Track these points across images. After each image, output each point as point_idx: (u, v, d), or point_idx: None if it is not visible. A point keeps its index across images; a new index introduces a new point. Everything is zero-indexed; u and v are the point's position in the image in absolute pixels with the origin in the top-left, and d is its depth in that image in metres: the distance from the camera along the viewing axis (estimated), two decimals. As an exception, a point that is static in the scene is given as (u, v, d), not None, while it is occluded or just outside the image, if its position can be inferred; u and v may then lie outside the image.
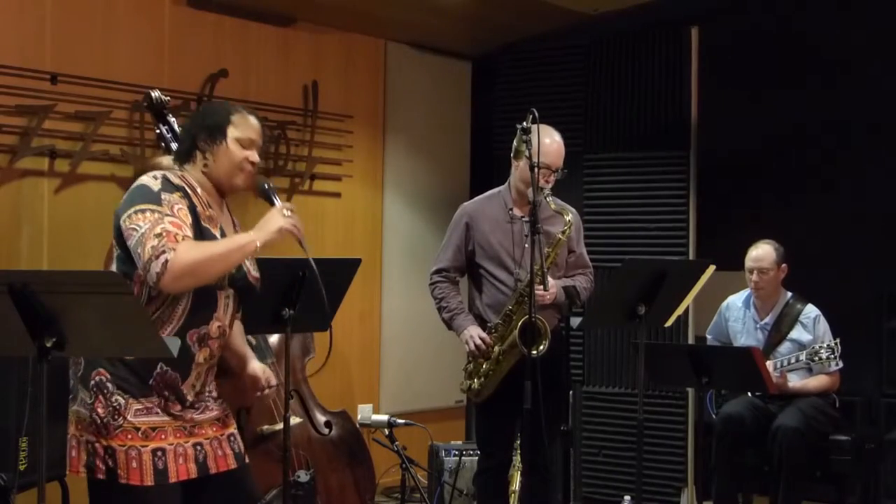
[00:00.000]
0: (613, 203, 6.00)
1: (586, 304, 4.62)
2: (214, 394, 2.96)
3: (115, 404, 2.76)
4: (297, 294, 3.42)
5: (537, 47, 6.37)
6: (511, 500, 4.64)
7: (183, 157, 2.92)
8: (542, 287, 3.99)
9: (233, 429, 2.98)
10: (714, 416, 5.01)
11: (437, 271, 4.37)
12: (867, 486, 5.22)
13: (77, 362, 2.82)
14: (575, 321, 4.97)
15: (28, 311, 2.46)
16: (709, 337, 5.32)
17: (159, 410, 2.80)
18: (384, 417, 5.03)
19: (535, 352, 3.89)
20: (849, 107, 5.69)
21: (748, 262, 5.04)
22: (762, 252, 5.01)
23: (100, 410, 2.76)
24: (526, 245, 4.15)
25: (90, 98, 4.77)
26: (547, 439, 3.93)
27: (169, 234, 2.68)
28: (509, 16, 6.01)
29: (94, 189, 4.79)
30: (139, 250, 2.69)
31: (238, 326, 3.08)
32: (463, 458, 5.33)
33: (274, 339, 4.71)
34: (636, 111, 6.02)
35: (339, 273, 3.56)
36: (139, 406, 2.78)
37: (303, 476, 4.17)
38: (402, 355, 6.26)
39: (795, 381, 4.94)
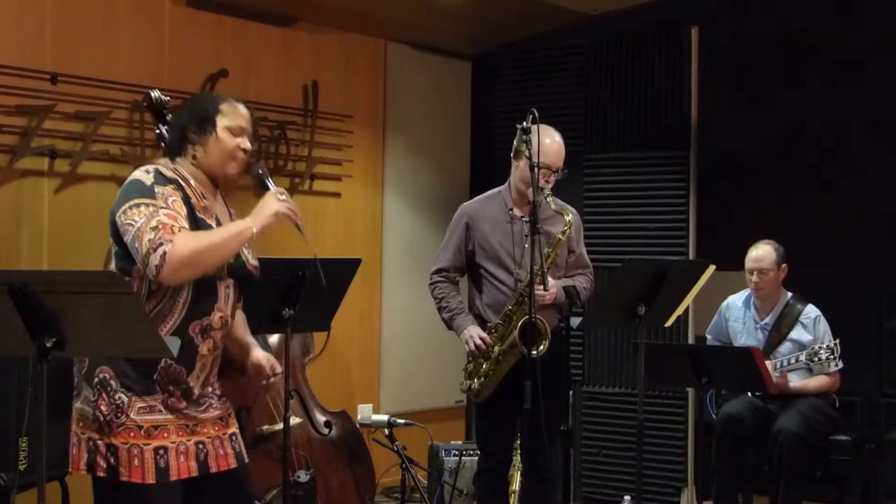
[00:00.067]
0: (613, 203, 5.99)
1: (586, 304, 4.62)
2: (218, 392, 2.96)
3: (118, 402, 2.76)
4: (297, 294, 3.42)
5: (537, 47, 6.37)
6: (511, 500, 4.64)
7: (174, 150, 2.93)
8: (542, 287, 3.99)
9: (235, 428, 2.99)
10: (714, 416, 5.00)
11: (437, 271, 4.37)
12: (867, 486, 5.22)
13: (81, 360, 2.83)
14: (575, 321, 4.97)
15: (28, 311, 2.46)
16: (709, 337, 5.31)
17: (162, 408, 2.80)
18: (384, 417, 5.04)
19: (535, 352, 3.89)
20: (849, 106, 5.69)
21: (748, 263, 5.04)
22: (762, 252, 5.01)
23: (103, 408, 2.76)
24: (526, 245, 4.15)
25: (90, 98, 4.77)
26: (547, 439, 3.93)
27: (165, 226, 2.69)
28: (509, 16, 6.01)
29: (94, 189, 4.79)
30: (136, 244, 2.69)
31: (240, 316, 3.08)
32: (463, 458, 5.33)
33: (274, 339, 4.71)
34: (636, 111, 6.02)
35: (340, 273, 3.57)
36: (142, 404, 2.78)
37: (303, 476, 4.17)
38: (402, 355, 6.26)
39: (795, 382, 4.94)
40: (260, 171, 3.00)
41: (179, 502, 2.84)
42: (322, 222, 5.85)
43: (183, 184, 2.84)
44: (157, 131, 3.15)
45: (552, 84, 6.20)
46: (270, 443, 4.46)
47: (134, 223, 2.70)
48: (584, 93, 6.14)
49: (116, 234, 2.78)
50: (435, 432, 5.44)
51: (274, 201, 2.86)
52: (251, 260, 2.96)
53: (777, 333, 5.03)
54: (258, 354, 3.11)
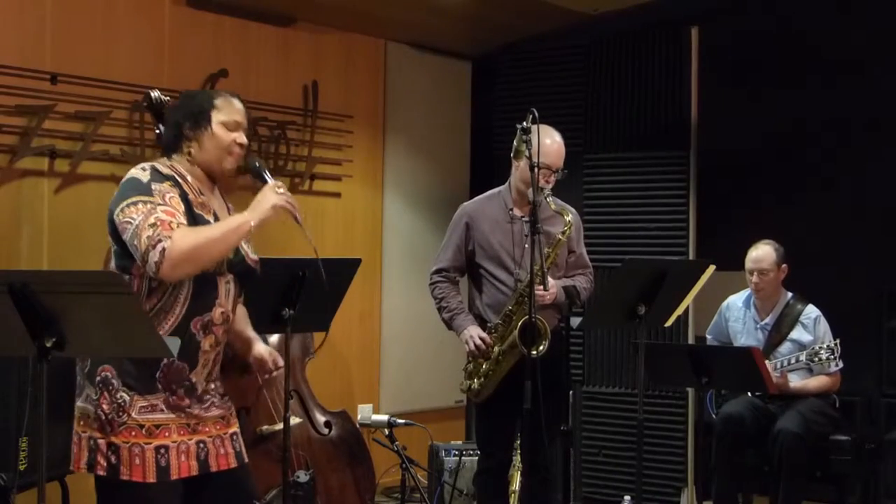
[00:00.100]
0: (613, 203, 5.99)
1: (586, 304, 4.62)
2: (221, 391, 2.97)
3: (119, 401, 2.77)
4: (297, 294, 3.42)
5: (537, 47, 6.38)
6: (511, 501, 4.64)
7: (170, 147, 2.93)
8: (542, 287, 3.99)
9: (236, 427, 2.99)
10: (714, 416, 5.00)
11: (437, 271, 4.37)
12: (867, 486, 5.22)
13: (83, 359, 2.83)
14: (575, 321, 4.97)
15: (28, 311, 2.46)
16: (709, 337, 5.31)
17: (164, 407, 2.80)
18: (384, 417, 5.04)
19: (534, 352, 3.89)
20: (849, 106, 5.69)
21: (748, 264, 5.04)
22: (762, 253, 5.00)
23: (105, 407, 2.77)
24: (526, 245, 4.15)
25: (90, 98, 4.77)
26: (547, 439, 3.93)
27: (163, 222, 2.69)
28: (509, 16, 6.01)
29: (94, 189, 4.79)
30: (135, 242, 2.69)
31: (241, 310, 3.08)
32: (463, 458, 5.33)
33: (274, 339, 4.70)
34: (636, 111, 6.02)
35: (340, 273, 3.56)
36: (144, 403, 2.78)
37: (302, 476, 4.17)
38: (402, 355, 6.26)
39: (796, 382, 4.94)
40: (257, 164, 2.99)
41: (179, 501, 2.84)
42: (322, 222, 5.85)
43: (180, 180, 2.84)
44: (157, 131, 3.14)
45: (552, 84, 6.20)
46: (270, 443, 4.46)
47: (132, 221, 2.71)
48: (584, 93, 6.14)
49: (115, 232, 2.78)
50: (435, 432, 5.44)
51: (272, 194, 2.86)
52: (251, 255, 2.96)
53: (777, 333, 5.02)
54: (260, 348, 3.11)
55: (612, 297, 4.23)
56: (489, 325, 4.23)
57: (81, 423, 2.82)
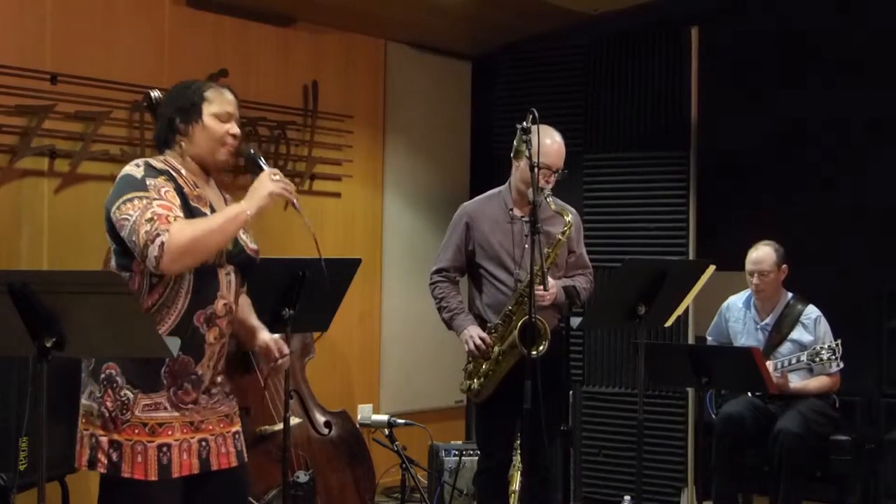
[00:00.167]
0: (613, 203, 5.99)
1: (586, 305, 4.62)
2: (227, 389, 2.97)
3: (123, 399, 2.77)
4: (297, 294, 3.42)
5: (537, 47, 6.38)
6: (511, 501, 4.64)
7: (163, 142, 2.93)
8: (541, 287, 3.99)
9: (238, 426, 2.99)
10: (714, 416, 5.00)
11: (437, 271, 4.37)
12: (867, 486, 5.22)
13: (88, 356, 2.83)
14: (575, 321, 4.97)
15: (28, 311, 2.46)
16: (709, 338, 5.31)
17: (168, 406, 2.80)
18: (384, 417, 5.04)
19: (534, 352, 3.89)
20: (849, 105, 5.69)
21: (748, 265, 5.03)
22: (762, 254, 5.00)
23: (108, 404, 2.77)
24: (526, 245, 4.15)
25: (90, 98, 4.77)
26: (547, 439, 3.93)
27: (160, 216, 2.69)
28: (509, 16, 6.01)
29: (94, 189, 4.78)
30: (134, 238, 2.69)
31: (245, 300, 3.08)
32: (463, 458, 5.33)
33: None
34: (636, 111, 6.02)
35: (340, 273, 3.56)
36: (147, 401, 2.78)
37: (302, 476, 4.17)
38: (402, 355, 6.26)
39: (796, 382, 4.94)
40: (252, 152, 2.98)
41: (180, 499, 2.85)
42: (322, 222, 5.85)
43: (174, 174, 2.84)
44: (158, 131, 3.15)
45: (552, 84, 6.20)
46: (270, 443, 4.46)
47: (129, 217, 2.71)
48: (584, 93, 6.14)
49: (113, 230, 2.78)
50: (435, 432, 5.44)
51: (268, 181, 2.84)
52: (250, 244, 2.96)
53: (777, 334, 5.02)
54: (265, 337, 3.09)
55: (612, 297, 4.23)
56: (489, 325, 4.23)
57: (85, 420, 2.83)
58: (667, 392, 5.82)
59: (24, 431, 3.80)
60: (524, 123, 3.96)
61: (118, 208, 2.74)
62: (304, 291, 3.42)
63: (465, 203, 4.49)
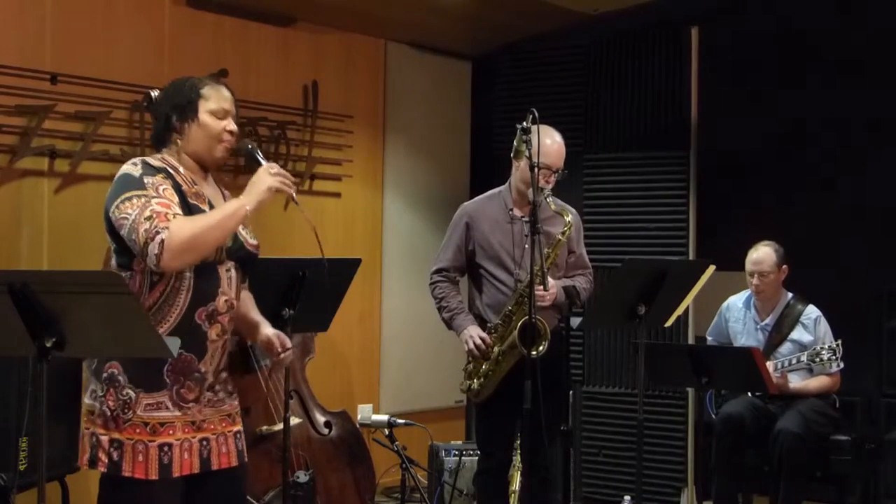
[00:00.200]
0: (613, 203, 5.99)
1: (586, 305, 4.62)
2: (230, 388, 2.97)
3: (125, 398, 2.77)
4: (297, 294, 3.42)
5: (537, 47, 6.38)
6: (511, 500, 4.64)
7: (160, 140, 2.93)
8: (542, 287, 3.99)
9: (240, 426, 2.99)
10: (714, 416, 5.00)
11: (437, 271, 4.37)
12: (867, 486, 5.22)
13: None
14: (575, 321, 4.96)
15: (28, 311, 2.46)
16: (709, 338, 5.31)
17: (169, 405, 2.80)
18: (384, 417, 5.04)
19: (534, 352, 3.89)
20: (848, 105, 5.69)
21: (748, 266, 5.03)
22: (762, 255, 5.00)
23: (110, 403, 2.77)
24: (526, 245, 4.15)
25: (90, 98, 4.77)
26: (547, 439, 3.93)
27: (159, 214, 2.69)
28: (509, 16, 6.01)
29: (94, 189, 4.78)
30: (133, 236, 2.69)
31: (247, 294, 3.08)
32: (463, 458, 5.33)
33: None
34: (636, 111, 6.02)
35: (340, 273, 3.57)
36: (149, 401, 2.78)
37: (302, 476, 4.17)
38: (402, 355, 6.26)
39: (796, 382, 4.94)
40: (249, 147, 2.98)
41: (180, 498, 2.85)
42: (322, 222, 5.84)
43: (172, 172, 2.84)
44: (157, 131, 3.14)
45: (552, 84, 6.20)
46: (270, 443, 4.46)
47: (128, 216, 2.71)
48: (584, 93, 6.14)
49: (112, 230, 2.78)
50: (435, 432, 5.44)
51: (266, 176, 2.83)
52: (250, 240, 2.96)
53: (777, 334, 5.02)
54: (267, 331, 3.08)
55: (612, 297, 4.24)
56: (489, 325, 4.23)
57: (86, 419, 2.84)
58: (667, 392, 5.82)
59: (24, 431, 3.80)
60: (524, 123, 3.96)
61: (117, 207, 2.74)
62: (304, 291, 3.42)
63: (466, 203, 4.49)
